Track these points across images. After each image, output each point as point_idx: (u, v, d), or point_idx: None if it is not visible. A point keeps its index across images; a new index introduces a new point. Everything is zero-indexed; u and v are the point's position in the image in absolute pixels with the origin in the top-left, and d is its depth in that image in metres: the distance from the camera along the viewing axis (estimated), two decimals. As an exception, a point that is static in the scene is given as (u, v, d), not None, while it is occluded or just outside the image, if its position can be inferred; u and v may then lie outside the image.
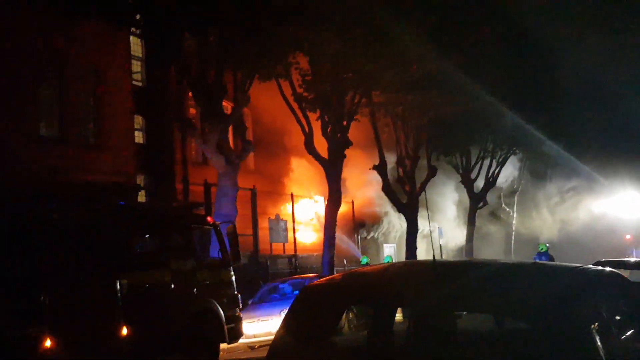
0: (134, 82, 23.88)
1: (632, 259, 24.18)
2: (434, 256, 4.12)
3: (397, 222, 34.31)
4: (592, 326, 3.43)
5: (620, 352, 3.63)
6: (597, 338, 3.36)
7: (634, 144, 35.39)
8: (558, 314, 3.43)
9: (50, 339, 9.99)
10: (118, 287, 11.27)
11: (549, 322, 3.37)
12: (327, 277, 4.99)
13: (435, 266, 4.12)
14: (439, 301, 3.87)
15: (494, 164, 34.97)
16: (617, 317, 4.10)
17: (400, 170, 26.90)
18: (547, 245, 23.07)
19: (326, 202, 23.29)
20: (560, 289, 3.79)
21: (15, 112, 18.14)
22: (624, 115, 32.04)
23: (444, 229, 37.28)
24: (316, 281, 5.01)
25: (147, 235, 13.25)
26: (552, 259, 20.32)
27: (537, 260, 14.82)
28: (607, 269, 4.81)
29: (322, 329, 4.08)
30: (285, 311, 14.70)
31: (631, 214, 45.80)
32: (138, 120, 24.41)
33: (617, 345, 3.60)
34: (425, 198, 21.56)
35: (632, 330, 4.10)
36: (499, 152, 34.41)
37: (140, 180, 23.60)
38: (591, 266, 4.96)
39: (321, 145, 22.15)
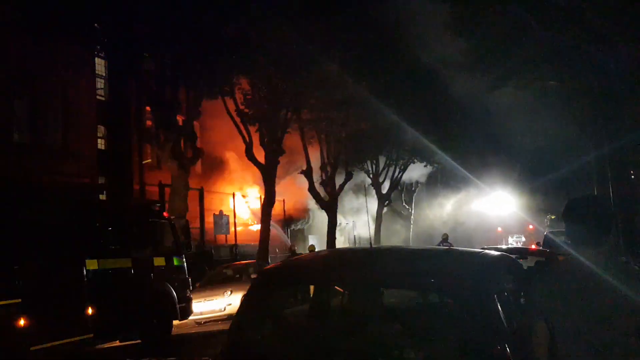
0: (98, 97, 23.33)
1: (504, 246, 25.79)
2: (371, 243, 4.16)
3: (319, 217, 34.45)
4: (495, 295, 3.53)
5: (514, 316, 3.73)
6: (499, 305, 3.47)
7: (502, 153, 37.12)
8: (472, 287, 3.52)
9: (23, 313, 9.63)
10: (84, 271, 10.98)
11: (465, 294, 3.45)
12: (278, 263, 4.94)
13: (369, 251, 4.16)
14: (372, 279, 3.90)
15: (397, 170, 35.73)
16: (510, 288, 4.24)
17: (323, 174, 27.08)
18: (447, 234, 23.99)
19: (262, 201, 23.24)
20: (472, 268, 3.91)
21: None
22: (496, 132, 33.45)
23: (357, 223, 37.83)
24: (271, 265, 4.99)
25: (111, 228, 12.83)
26: (451, 246, 20.92)
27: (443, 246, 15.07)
28: (501, 253, 5.00)
29: (277, 303, 4.10)
30: (228, 291, 14.61)
31: (501, 211, 47.63)
32: (101, 130, 23.83)
33: (512, 310, 3.72)
34: (366, 199, 21.67)
35: (523, 299, 4.26)
36: (401, 160, 35.15)
37: (102, 181, 23.04)
38: (490, 251, 5.13)
39: (259, 153, 22.15)
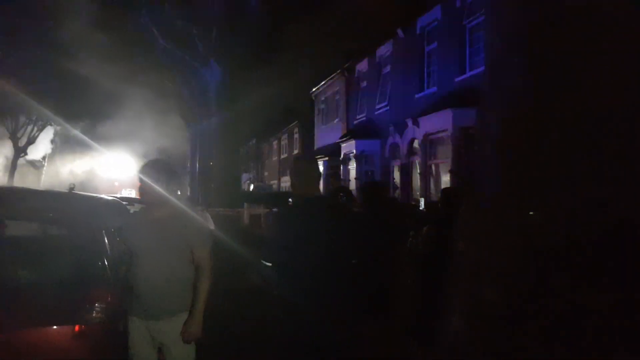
0: None
1: (119, 195, 24.23)
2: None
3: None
4: (104, 230, 3.38)
5: (117, 246, 3.56)
6: (105, 237, 3.34)
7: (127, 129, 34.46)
8: (86, 222, 3.33)
9: None
10: None
11: (81, 228, 3.24)
12: None
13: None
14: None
15: (36, 129, 30.61)
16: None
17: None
18: (74, 184, 21.09)
19: None
20: (88, 207, 3.68)
21: None
22: (125, 113, 30.61)
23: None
24: None
25: None
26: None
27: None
28: (113, 198, 4.81)
29: None
30: None
31: (121, 171, 44.86)
32: None
33: (115, 244, 3.56)
34: None
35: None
36: (40, 122, 30.16)
37: None
38: (105, 196, 4.89)
39: None
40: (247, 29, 15.63)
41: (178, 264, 2.84)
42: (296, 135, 30.23)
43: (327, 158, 20.08)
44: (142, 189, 2.95)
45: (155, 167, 2.99)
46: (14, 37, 17.96)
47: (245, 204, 17.14)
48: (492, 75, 2.03)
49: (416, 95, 13.73)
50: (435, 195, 11.86)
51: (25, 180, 34.96)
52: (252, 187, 31.06)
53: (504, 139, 1.85)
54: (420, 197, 12.98)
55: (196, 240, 2.90)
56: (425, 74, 13.54)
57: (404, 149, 14.38)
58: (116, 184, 48.65)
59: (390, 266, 4.20)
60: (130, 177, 46.31)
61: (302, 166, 3.06)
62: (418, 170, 13.61)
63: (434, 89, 12.96)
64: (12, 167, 30.52)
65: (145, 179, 2.93)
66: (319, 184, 3.12)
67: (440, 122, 11.68)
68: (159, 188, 2.91)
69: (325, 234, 2.83)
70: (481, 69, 9.43)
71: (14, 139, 29.38)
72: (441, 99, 12.08)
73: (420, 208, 10.60)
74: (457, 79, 11.59)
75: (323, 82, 22.78)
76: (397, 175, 15.22)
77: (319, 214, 2.89)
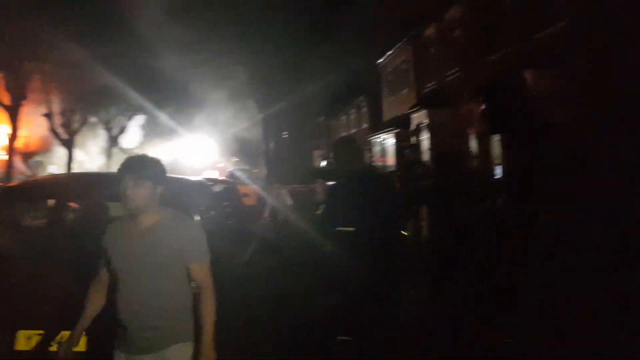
0: None
1: (201, 177, 25.25)
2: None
3: (61, 152, 29.90)
4: (200, 208, 3.52)
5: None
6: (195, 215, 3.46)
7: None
8: (177, 201, 3.54)
9: None
10: None
11: (173, 207, 3.46)
12: (21, 181, 4.22)
13: (99, 174, 3.88)
14: (103, 195, 3.69)
15: (125, 118, 33.06)
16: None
17: (62, 118, 23.60)
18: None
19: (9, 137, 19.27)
20: (178, 188, 3.91)
21: None
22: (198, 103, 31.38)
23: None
24: (14, 182, 4.25)
25: None
26: None
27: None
28: (200, 179, 5.10)
29: (17, 214, 3.57)
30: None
31: (201, 153, 45.72)
32: None
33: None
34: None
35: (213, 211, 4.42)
36: (128, 112, 32.50)
37: None
38: (190, 177, 5.19)
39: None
40: (310, 6, 15.63)
41: (170, 286, 2.31)
42: (364, 109, 29.91)
43: (397, 130, 19.70)
44: (124, 193, 2.30)
45: (141, 166, 2.36)
46: (98, 35, 19.23)
47: (318, 180, 17.35)
48: (574, 32, 1.83)
49: (489, 58, 13.01)
50: (512, 165, 11.27)
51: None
52: (324, 163, 31.37)
53: (585, 106, 1.63)
54: (498, 166, 12.41)
55: (192, 254, 2.35)
56: (499, 34, 12.74)
57: (478, 116, 13.76)
58: (199, 166, 51.59)
59: (461, 237, 4.14)
60: (211, 160, 48.74)
61: (341, 147, 3.50)
62: (494, 139, 12.99)
63: (508, 49, 12.19)
64: (108, 155, 33.39)
65: (128, 180, 2.31)
66: (360, 160, 3.53)
67: (516, 86, 10.97)
68: (145, 191, 2.32)
69: (366, 206, 3.15)
70: (561, 25, 8.69)
71: (108, 129, 32.04)
72: (517, 60, 11.34)
73: (497, 177, 10.16)
74: (534, 37, 10.80)
75: (389, 52, 22.17)
76: (472, 144, 14.63)
77: (360, 188, 3.26)
